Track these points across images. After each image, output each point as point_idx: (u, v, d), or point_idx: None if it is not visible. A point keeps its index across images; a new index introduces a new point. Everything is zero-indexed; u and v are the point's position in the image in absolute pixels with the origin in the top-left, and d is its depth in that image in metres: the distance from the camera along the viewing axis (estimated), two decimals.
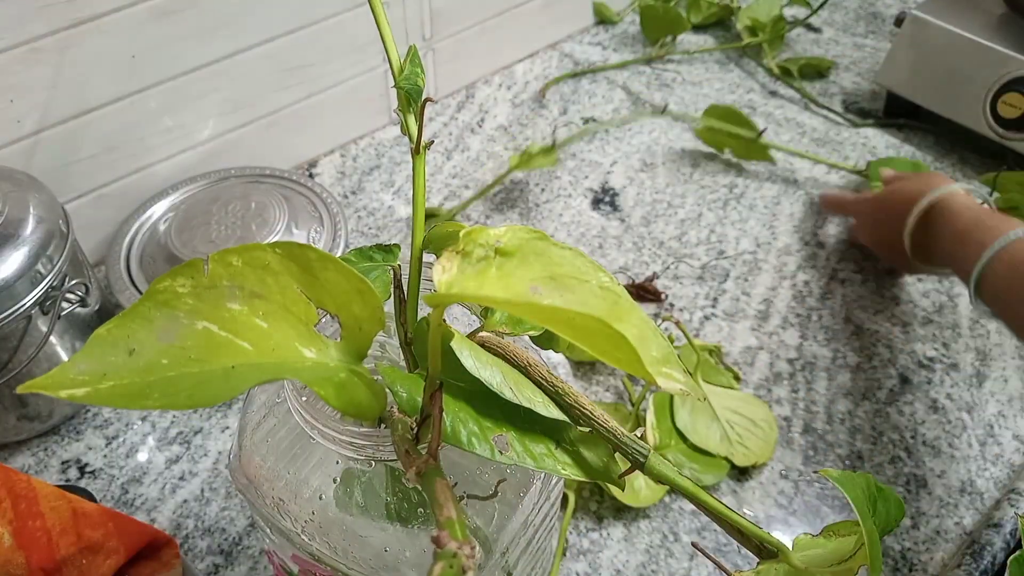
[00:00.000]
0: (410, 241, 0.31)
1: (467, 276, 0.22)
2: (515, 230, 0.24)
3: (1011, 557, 0.29)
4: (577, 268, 0.24)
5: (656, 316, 0.66)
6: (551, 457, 0.27)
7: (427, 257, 0.30)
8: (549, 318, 0.20)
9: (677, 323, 0.58)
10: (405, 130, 0.30)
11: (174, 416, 0.59)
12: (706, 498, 0.27)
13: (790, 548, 0.26)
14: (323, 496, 0.34)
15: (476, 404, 0.27)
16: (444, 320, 0.25)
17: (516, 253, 0.23)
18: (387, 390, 0.27)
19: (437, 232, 0.31)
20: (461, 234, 0.23)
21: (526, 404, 0.27)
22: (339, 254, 0.65)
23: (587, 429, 0.29)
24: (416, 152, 0.30)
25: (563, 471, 0.27)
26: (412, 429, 0.27)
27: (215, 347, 0.23)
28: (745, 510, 0.54)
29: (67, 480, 0.55)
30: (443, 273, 0.22)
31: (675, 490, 0.28)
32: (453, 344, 0.25)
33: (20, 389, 0.20)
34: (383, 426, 0.28)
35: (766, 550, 0.26)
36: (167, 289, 0.23)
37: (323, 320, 0.26)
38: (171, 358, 0.22)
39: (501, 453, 0.26)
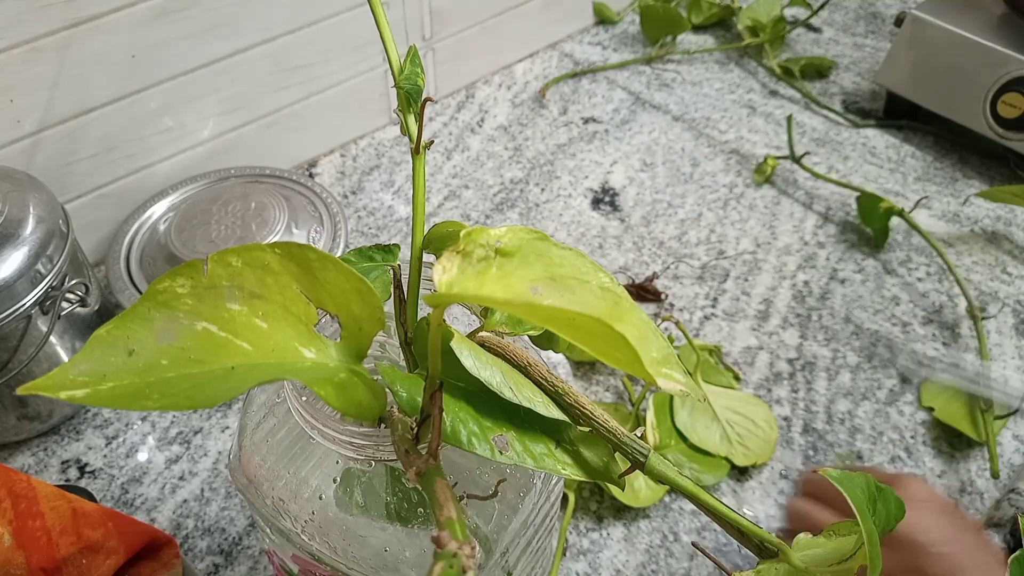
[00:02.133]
0: (410, 241, 0.31)
1: (467, 276, 0.22)
2: (515, 230, 0.24)
3: (1012, 557, 0.29)
4: (577, 269, 0.24)
5: (656, 316, 0.66)
6: (551, 457, 0.27)
7: (427, 257, 0.30)
8: (549, 319, 0.20)
9: (677, 323, 0.58)
10: (405, 130, 0.30)
11: (174, 416, 0.59)
12: (706, 498, 0.27)
13: (790, 548, 0.26)
14: (323, 496, 0.34)
15: (476, 404, 0.27)
16: (444, 320, 0.25)
17: (516, 253, 0.23)
18: (387, 390, 0.27)
19: (437, 232, 0.31)
20: (461, 234, 0.23)
21: (526, 404, 0.27)
22: (339, 254, 0.65)
23: (587, 429, 0.29)
24: (416, 152, 0.30)
25: (563, 471, 0.27)
26: (412, 429, 0.27)
27: (215, 348, 0.23)
28: (745, 510, 0.54)
29: (67, 480, 0.55)
30: (443, 273, 0.22)
31: (675, 490, 0.28)
32: (453, 344, 0.25)
33: (20, 390, 0.20)
34: (383, 426, 0.28)
35: (766, 550, 0.26)
36: (167, 290, 0.23)
37: (323, 320, 0.26)
38: (171, 359, 0.22)
39: (501, 453, 0.26)
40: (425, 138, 0.30)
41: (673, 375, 0.23)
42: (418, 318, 0.31)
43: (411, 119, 0.30)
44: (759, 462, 0.55)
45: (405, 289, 0.31)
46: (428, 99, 0.30)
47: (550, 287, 0.23)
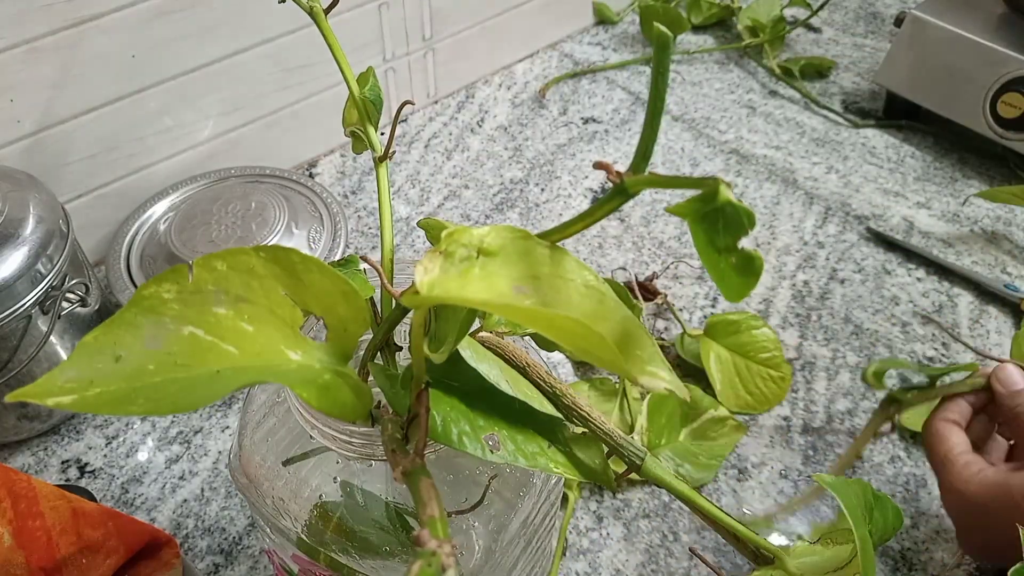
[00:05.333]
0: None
1: (450, 276, 0.22)
2: (499, 229, 0.23)
3: (1012, 570, 0.29)
4: (562, 267, 0.24)
5: (656, 316, 0.66)
6: (544, 456, 0.27)
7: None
8: (529, 320, 0.20)
9: (670, 306, 0.58)
10: (363, 146, 0.31)
11: (174, 415, 0.59)
12: (702, 502, 0.27)
13: (786, 555, 0.26)
14: (323, 496, 0.34)
15: (468, 403, 0.27)
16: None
17: (500, 253, 0.23)
18: (376, 389, 0.27)
19: (428, 222, 0.31)
20: (443, 234, 0.22)
21: (522, 398, 0.27)
22: (339, 254, 0.65)
23: (582, 430, 0.29)
24: (381, 160, 0.30)
25: (555, 469, 0.27)
26: (402, 428, 0.27)
27: (201, 352, 0.23)
28: (744, 510, 0.54)
29: (67, 480, 0.55)
30: (425, 274, 0.22)
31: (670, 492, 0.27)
32: None
33: (9, 397, 0.19)
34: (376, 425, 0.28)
35: (762, 556, 0.26)
36: (153, 295, 0.23)
37: (318, 323, 0.26)
38: (157, 364, 0.22)
39: (492, 452, 0.26)
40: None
41: (658, 373, 0.23)
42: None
43: (371, 130, 0.30)
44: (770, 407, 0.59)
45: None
46: (408, 102, 0.31)
47: (534, 286, 0.22)
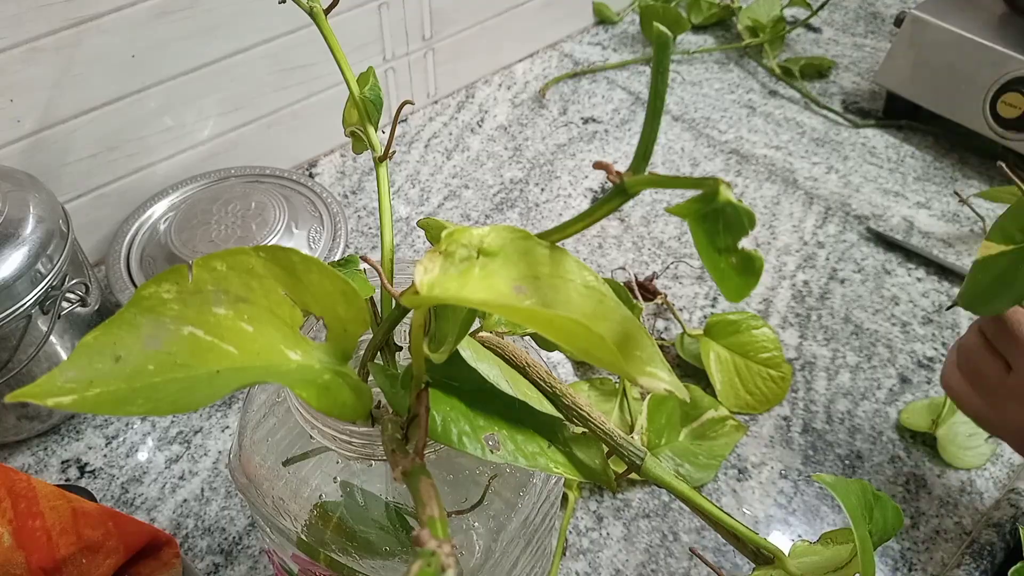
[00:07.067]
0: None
1: (450, 277, 0.21)
2: (499, 229, 0.23)
3: (1012, 569, 0.29)
4: (561, 267, 0.24)
5: (656, 316, 0.66)
6: (544, 456, 0.27)
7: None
8: (529, 320, 0.20)
9: (669, 306, 0.58)
10: (363, 146, 0.31)
11: (174, 415, 0.59)
12: (702, 502, 0.27)
13: (787, 552, 0.26)
14: (323, 496, 0.34)
15: (468, 402, 0.27)
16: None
17: (500, 253, 0.23)
18: (376, 389, 0.27)
19: (428, 222, 0.31)
20: (443, 234, 0.22)
21: (521, 397, 0.27)
22: (339, 254, 0.65)
23: (582, 430, 0.29)
24: (381, 160, 0.30)
25: (555, 469, 0.27)
26: (402, 428, 0.27)
27: (201, 352, 0.23)
28: (744, 510, 0.54)
29: (67, 480, 0.55)
30: (425, 274, 0.22)
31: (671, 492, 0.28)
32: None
33: (9, 398, 0.19)
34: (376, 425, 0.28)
35: (762, 556, 0.26)
36: (152, 295, 0.23)
37: (318, 323, 0.26)
38: (157, 364, 0.22)
39: (492, 452, 0.26)
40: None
41: (657, 374, 0.23)
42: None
43: (371, 130, 0.30)
44: (770, 408, 0.59)
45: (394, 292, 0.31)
46: (407, 101, 0.30)
47: (534, 286, 0.22)
